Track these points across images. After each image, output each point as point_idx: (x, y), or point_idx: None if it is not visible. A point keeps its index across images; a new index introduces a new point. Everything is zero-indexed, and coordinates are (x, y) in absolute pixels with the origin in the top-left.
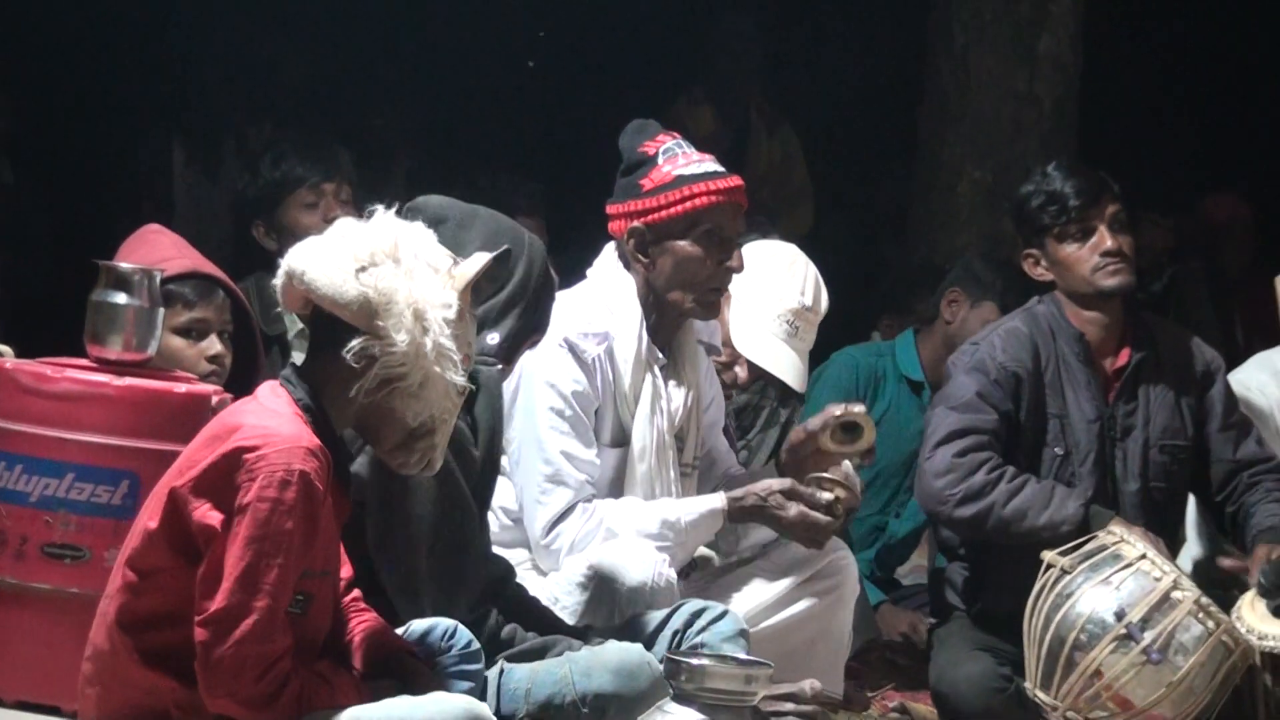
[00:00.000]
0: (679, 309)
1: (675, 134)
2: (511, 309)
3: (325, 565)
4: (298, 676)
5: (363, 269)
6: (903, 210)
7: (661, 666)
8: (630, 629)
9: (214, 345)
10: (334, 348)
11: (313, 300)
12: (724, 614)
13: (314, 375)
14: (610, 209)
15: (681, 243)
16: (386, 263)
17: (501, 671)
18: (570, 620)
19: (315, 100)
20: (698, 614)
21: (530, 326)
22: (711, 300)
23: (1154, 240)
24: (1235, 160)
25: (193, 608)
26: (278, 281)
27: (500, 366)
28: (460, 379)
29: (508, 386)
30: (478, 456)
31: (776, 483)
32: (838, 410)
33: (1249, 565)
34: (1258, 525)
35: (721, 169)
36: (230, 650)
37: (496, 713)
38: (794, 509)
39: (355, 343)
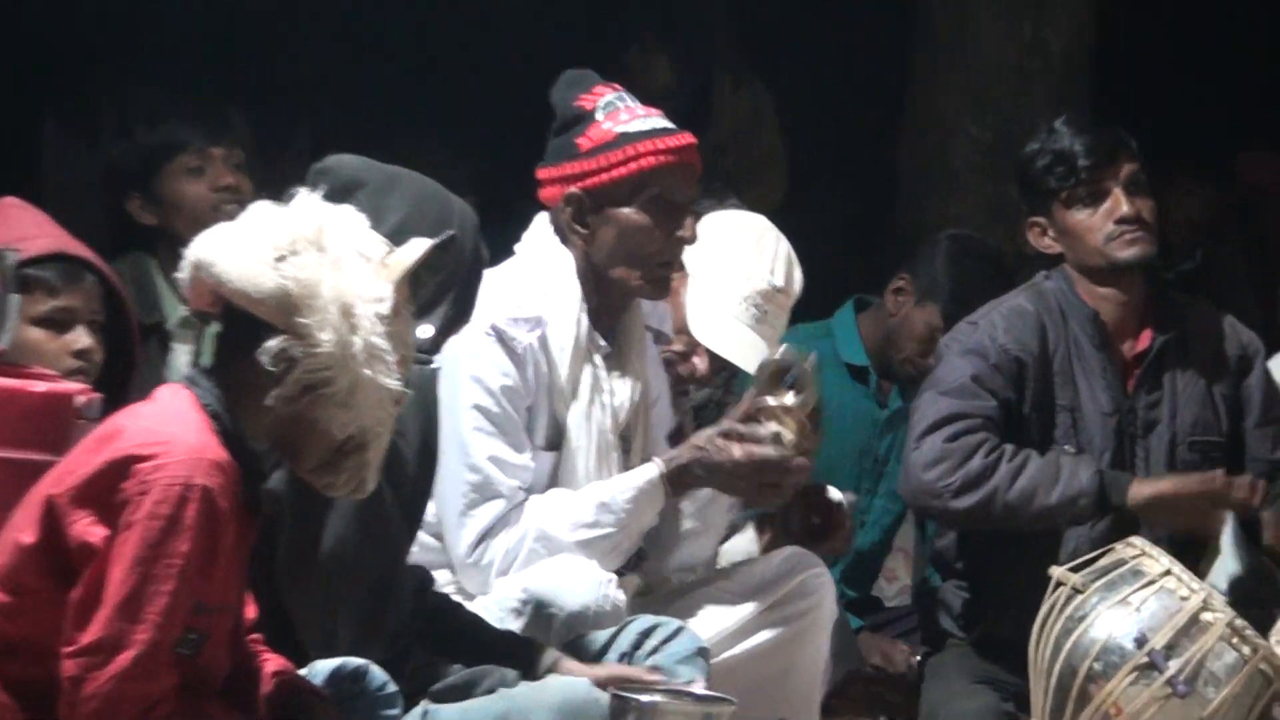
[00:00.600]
0: (624, 287)
1: (617, 86)
2: (445, 294)
3: (224, 599)
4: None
5: (282, 258)
6: (891, 175)
7: (609, 703)
8: (570, 653)
9: (81, 338)
10: (249, 349)
11: (224, 295)
12: (678, 631)
13: (225, 379)
14: (542, 174)
15: (626, 210)
16: (309, 251)
17: (425, 714)
18: None
19: (207, 57)
20: (648, 632)
21: (462, 314)
22: (661, 276)
23: (1185, 211)
24: (1278, 118)
25: (60, 639)
26: (183, 274)
27: (434, 364)
28: (396, 384)
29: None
30: (410, 473)
31: (710, 428)
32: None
33: None
34: None
35: (670, 125)
36: (104, 688)
37: None
38: (737, 449)
39: (272, 343)
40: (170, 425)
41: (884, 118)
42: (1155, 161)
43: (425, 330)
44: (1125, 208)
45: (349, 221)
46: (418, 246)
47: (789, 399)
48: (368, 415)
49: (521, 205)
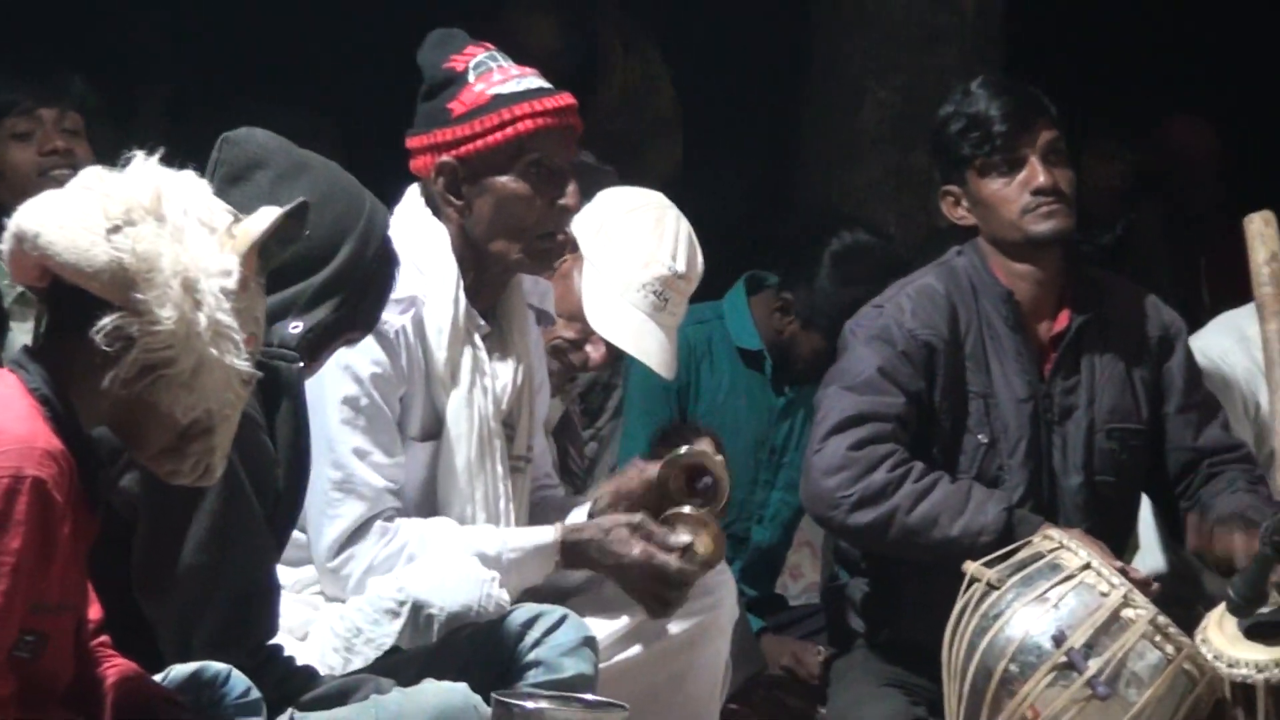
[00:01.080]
0: (504, 262)
1: (489, 45)
2: (330, 295)
3: (64, 598)
4: None
5: (116, 229)
6: (792, 142)
7: (489, 710)
8: (447, 646)
9: None
10: (81, 327)
11: (51, 269)
12: (563, 620)
13: (55, 360)
14: (411, 142)
15: (503, 178)
16: (147, 221)
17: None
18: (375, 655)
19: (46, 11)
20: (530, 623)
21: (349, 320)
22: (544, 249)
23: (1105, 178)
24: (1204, 79)
25: None
26: (3, 246)
27: (301, 364)
28: (244, 364)
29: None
30: (279, 479)
31: (625, 515)
32: (682, 450)
33: (1216, 549)
34: (1219, 513)
35: (548, 85)
36: None
37: None
38: (638, 548)
39: (107, 321)
40: None
41: (785, 81)
42: (1074, 125)
43: (295, 327)
44: (1042, 178)
45: (191, 188)
46: (266, 215)
47: (692, 507)
48: (213, 397)
49: (389, 177)
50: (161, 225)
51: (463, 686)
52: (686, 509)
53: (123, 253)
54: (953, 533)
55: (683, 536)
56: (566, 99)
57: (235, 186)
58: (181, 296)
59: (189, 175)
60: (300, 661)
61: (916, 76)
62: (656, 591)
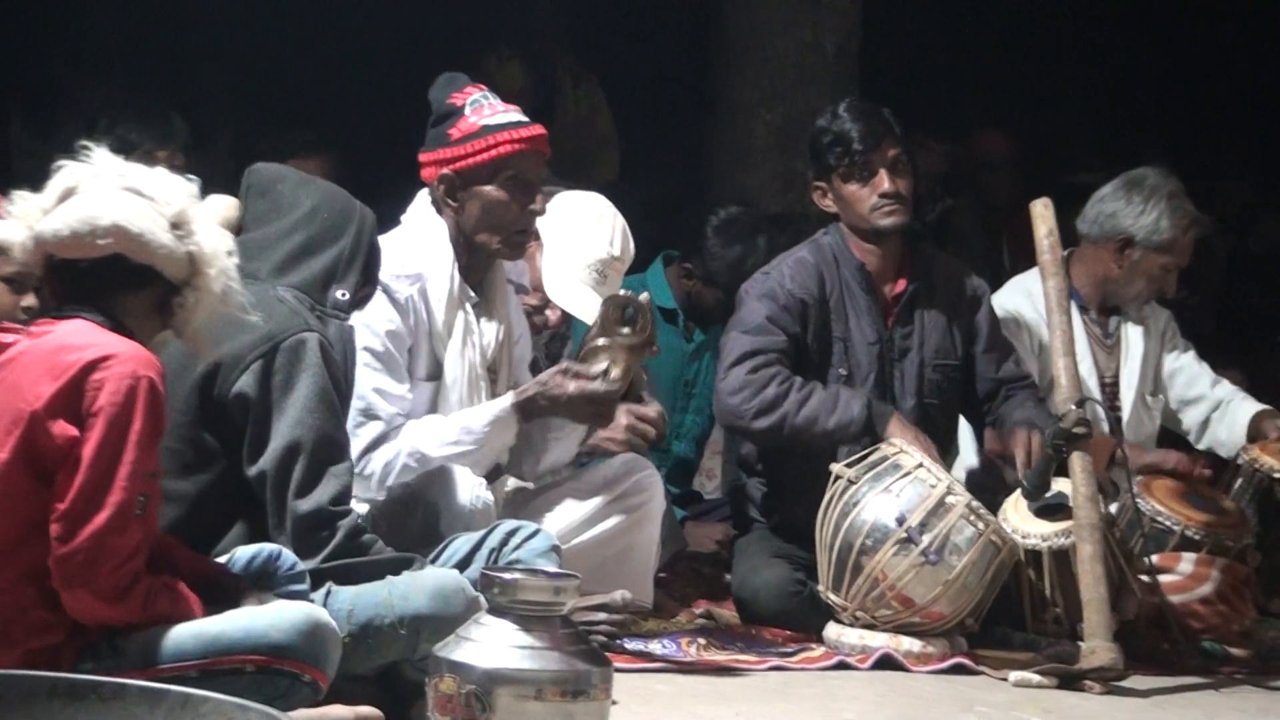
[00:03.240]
0: (487, 250)
1: (482, 86)
2: (353, 265)
3: (159, 468)
4: (147, 576)
5: (175, 226)
6: (702, 154)
7: (476, 592)
8: (450, 551)
9: (30, 298)
10: (143, 289)
11: (123, 252)
12: (536, 532)
13: (107, 309)
14: (422, 157)
15: (488, 188)
16: (191, 221)
17: (329, 593)
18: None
19: (139, 59)
20: (512, 533)
21: (367, 283)
22: (518, 241)
23: (928, 165)
24: (1003, 98)
25: (40, 533)
26: (66, 232)
27: (349, 320)
28: (238, 311)
29: None
30: (343, 395)
31: (554, 368)
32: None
33: (1009, 446)
34: (1011, 417)
35: (525, 119)
36: (86, 542)
37: None
38: (571, 384)
39: (184, 294)
40: (105, 338)
41: (695, 108)
42: (907, 123)
43: (342, 294)
44: (887, 185)
45: (186, 188)
46: (220, 201)
47: (625, 332)
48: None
49: (394, 187)
50: (199, 224)
51: (454, 572)
52: (599, 341)
53: (194, 246)
54: (829, 425)
55: (600, 364)
56: (538, 130)
57: (264, 197)
58: (220, 275)
59: (181, 179)
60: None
61: (793, 102)
62: (593, 411)
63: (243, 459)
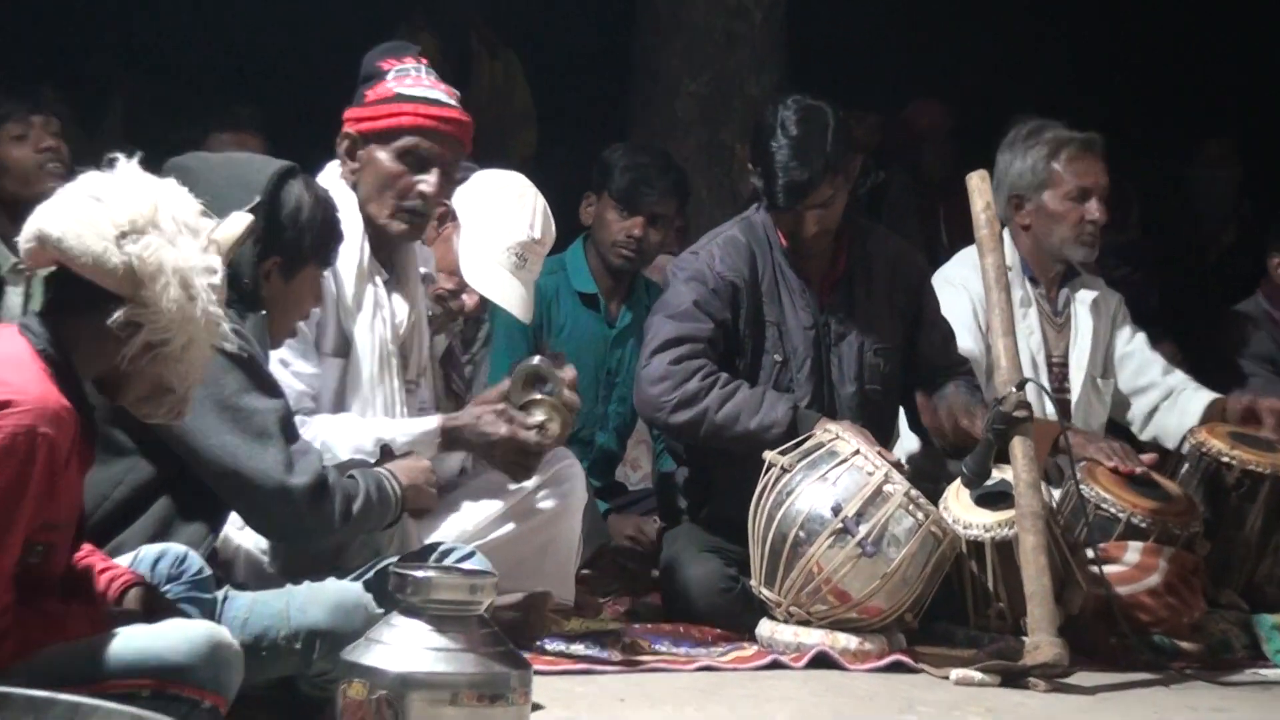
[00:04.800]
0: (374, 222)
1: (424, 61)
2: (260, 242)
3: (67, 516)
4: (16, 629)
5: (124, 235)
6: (624, 127)
7: (380, 609)
8: (379, 576)
9: None
10: (87, 309)
11: (69, 266)
12: (470, 554)
13: (59, 328)
14: (345, 115)
15: (381, 154)
16: (149, 230)
17: (225, 598)
18: None
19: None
20: (445, 554)
21: (285, 252)
22: (410, 222)
23: (860, 137)
24: (939, 66)
25: None
26: (24, 243)
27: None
28: (225, 341)
29: None
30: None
31: (491, 404)
32: (518, 367)
33: (941, 420)
34: (946, 399)
35: (448, 101)
36: None
37: None
38: (504, 428)
39: (120, 313)
40: (12, 374)
41: (618, 79)
42: (838, 95)
43: (248, 281)
44: (813, 228)
45: (178, 198)
46: (238, 221)
47: (566, 394)
48: (198, 367)
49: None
50: (160, 233)
51: (357, 586)
52: (539, 395)
53: (133, 257)
54: (751, 426)
55: (538, 416)
56: (453, 113)
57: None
58: (179, 292)
59: (174, 185)
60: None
61: (719, 72)
62: (518, 461)
63: (160, 454)
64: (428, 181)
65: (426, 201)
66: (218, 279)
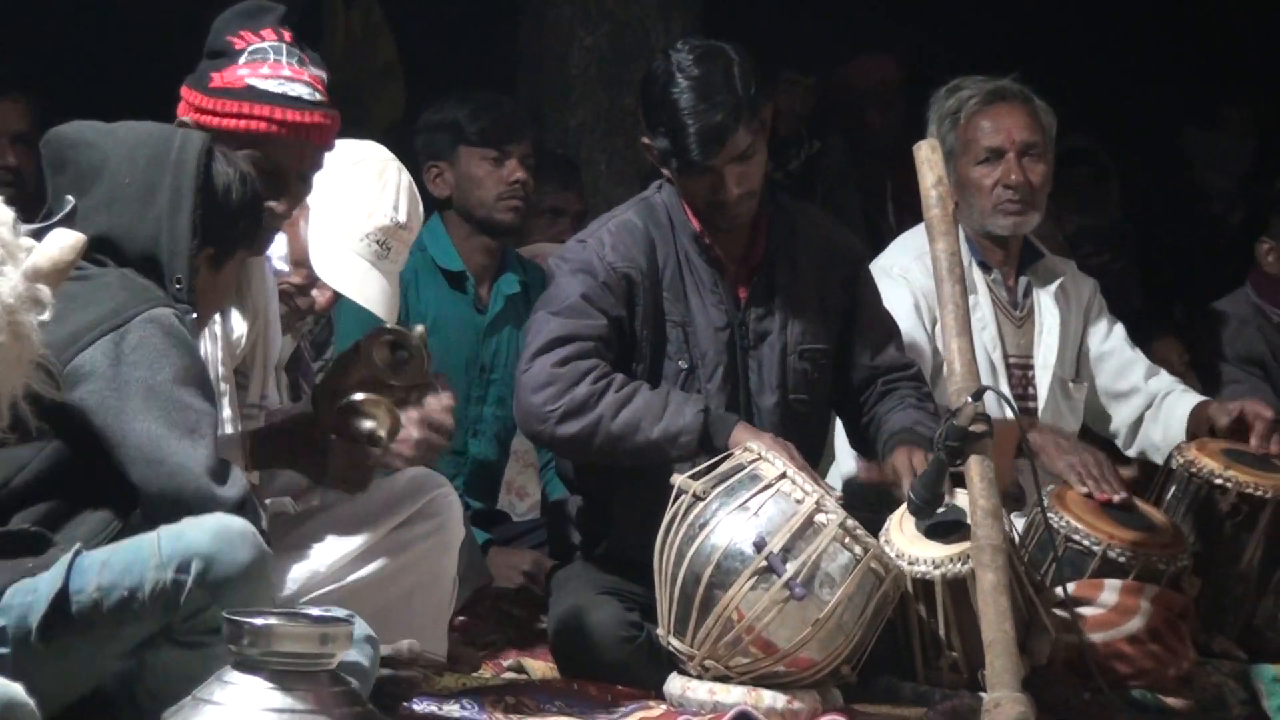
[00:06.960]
0: None
1: (289, 37)
2: (178, 229)
3: None
4: None
5: None
6: (509, 87)
7: (269, 548)
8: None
9: None
10: None
11: None
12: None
13: None
14: (182, 89)
15: None
16: None
17: (77, 553)
18: None
19: None
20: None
21: (215, 240)
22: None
23: (791, 103)
24: (887, 16)
25: None
26: None
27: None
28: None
29: None
30: None
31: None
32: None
33: (888, 475)
34: (890, 429)
35: (313, 100)
36: None
37: (63, 593)
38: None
39: None
40: None
41: (499, 29)
42: (765, 51)
43: (179, 279)
44: (734, 189)
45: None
46: (60, 239)
47: (393, 383)
48: (7, 393)
49: None
50: None
51: (242, 519)
52: (357, 396)
53: None
54: (654, 435)
55: (365, 424)
56: (316, 118)
57: (63, 172)
58: (4, 338)
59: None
60: None
61: (621, 24)
62: (347, 476)
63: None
64: (280, 203)
65: (274, 218)
66: (48, 315)
